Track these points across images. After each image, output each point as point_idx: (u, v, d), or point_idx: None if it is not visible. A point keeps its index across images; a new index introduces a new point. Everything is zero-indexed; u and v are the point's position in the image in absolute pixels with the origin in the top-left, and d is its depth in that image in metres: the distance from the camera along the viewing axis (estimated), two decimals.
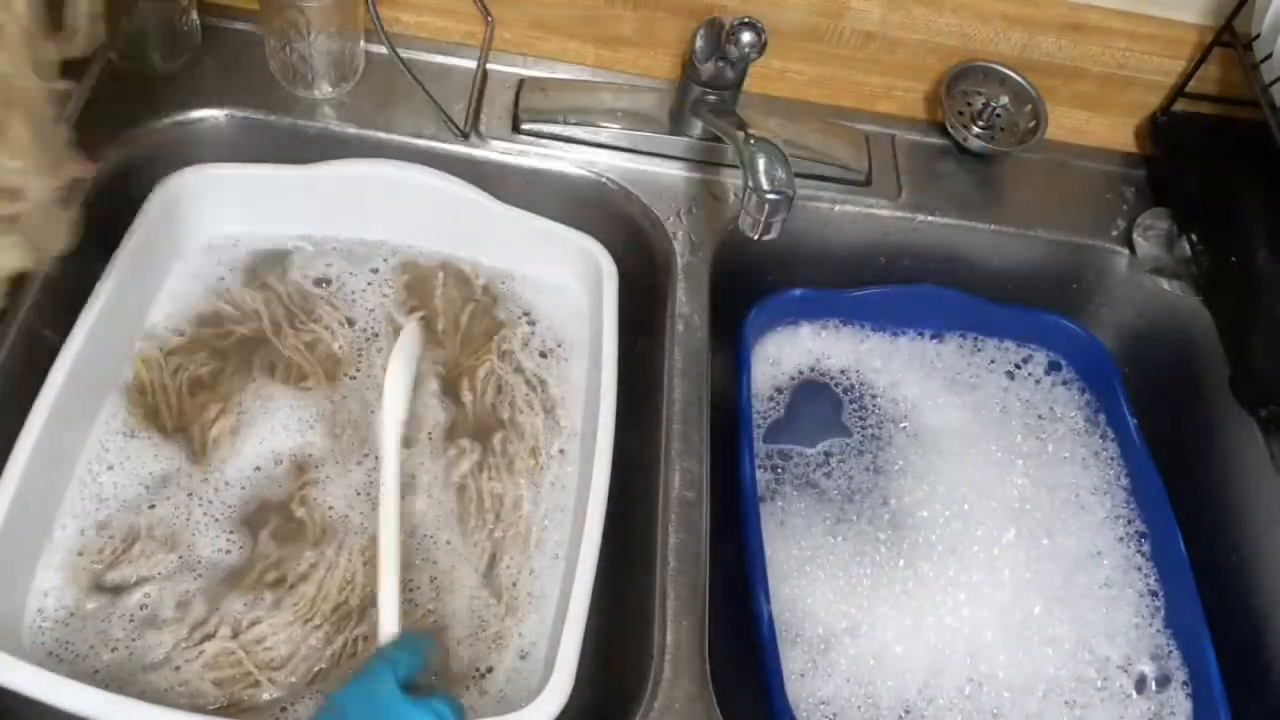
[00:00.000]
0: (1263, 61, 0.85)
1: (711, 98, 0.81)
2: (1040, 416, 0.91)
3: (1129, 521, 0.85)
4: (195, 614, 0.65)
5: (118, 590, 0.66)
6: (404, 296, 0.82)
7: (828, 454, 0.87)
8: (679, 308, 0.80)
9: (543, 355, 0.81)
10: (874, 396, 0.90)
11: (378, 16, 0.78)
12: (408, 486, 0.73)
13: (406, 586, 0.69)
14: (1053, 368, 0.93)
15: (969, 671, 0.76)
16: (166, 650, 0.64)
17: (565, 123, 0.86)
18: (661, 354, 0.78)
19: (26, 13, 0.53)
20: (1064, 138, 0.96)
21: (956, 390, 0.91)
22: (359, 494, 0.72)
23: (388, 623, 0.62)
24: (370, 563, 0.69)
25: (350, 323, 0.80)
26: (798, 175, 0.78)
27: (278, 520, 0.70)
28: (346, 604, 0.67)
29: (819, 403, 0.89)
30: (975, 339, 0.94)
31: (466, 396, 0.78)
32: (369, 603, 0.68)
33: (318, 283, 0.81)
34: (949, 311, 0.92)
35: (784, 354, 0.91)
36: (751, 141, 0.70)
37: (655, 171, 0.86)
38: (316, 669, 0.65)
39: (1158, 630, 0.80)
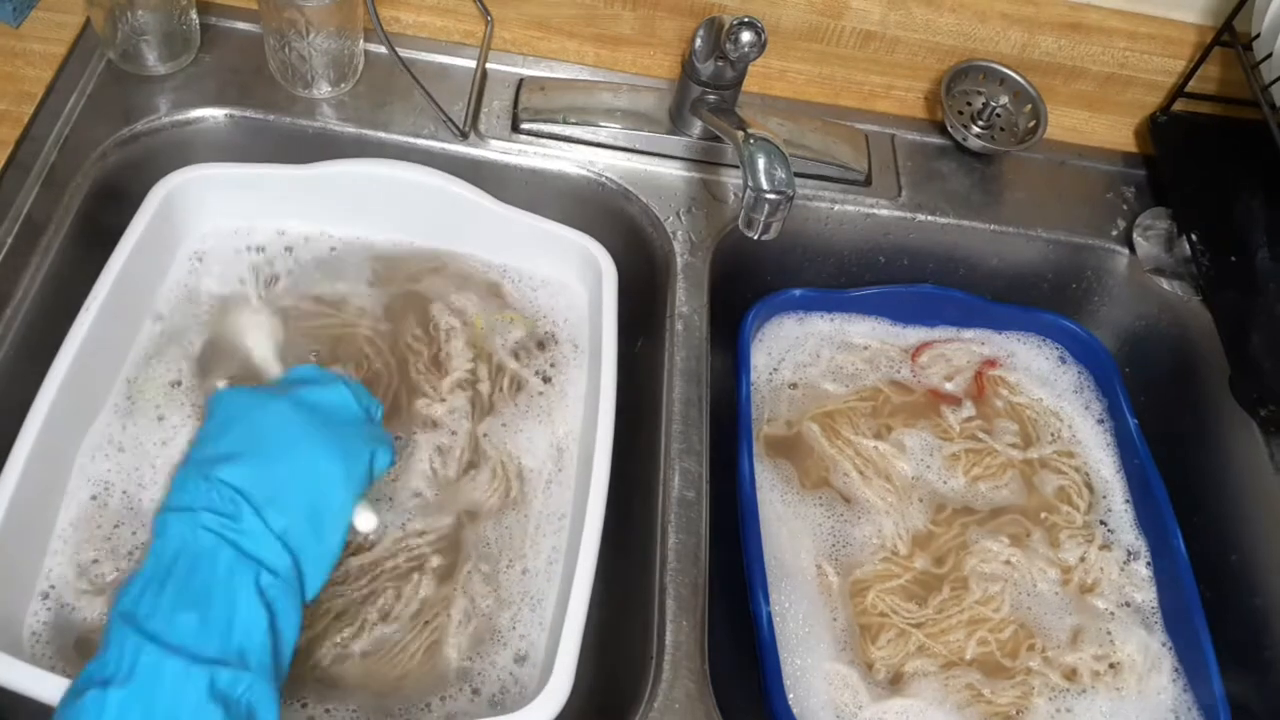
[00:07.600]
0: (1262, 61, 0.85)
1: (711, 97, 0.81)
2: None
3: (1128, 521, 0.85)
4: None
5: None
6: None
7: None
8: (679, 307, 0.80)
9: (543, 354, 0.81)
10: None
11: (377, 16, 0.78)
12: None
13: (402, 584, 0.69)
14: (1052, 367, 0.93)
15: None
16: None
17: (565, 122, 0.86)
18: (661, 354, 0.78)
19: None
20: (1064, 137, 0.96)
21: None
22: None
23: None
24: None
25: (352, 318, 0.80)
26: (798, 175, 0.79)
27: None
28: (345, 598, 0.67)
29: None
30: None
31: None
32: (366, 599, 0.68)
33: (318, 280, 0.81)
34: (948, 311, 0.92)
35: None
36: (751, 141, 0.69)
37: (655, 171, 0.86)
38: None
39: (1158, 630, 0.80)
